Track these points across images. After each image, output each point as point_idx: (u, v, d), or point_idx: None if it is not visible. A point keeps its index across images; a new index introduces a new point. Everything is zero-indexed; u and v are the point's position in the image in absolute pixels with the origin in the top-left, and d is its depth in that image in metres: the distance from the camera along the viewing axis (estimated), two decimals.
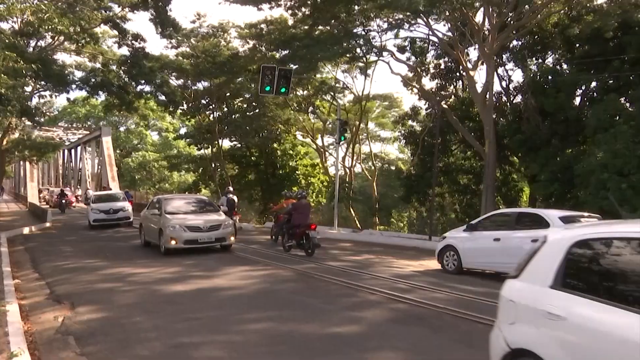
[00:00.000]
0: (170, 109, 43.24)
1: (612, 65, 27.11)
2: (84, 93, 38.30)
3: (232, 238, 19.82)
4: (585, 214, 17.14)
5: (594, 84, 29.06)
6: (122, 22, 32.70)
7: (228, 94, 43.81)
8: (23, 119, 34.25)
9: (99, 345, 7.95)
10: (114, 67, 33.72)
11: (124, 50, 34.07)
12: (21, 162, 60.63)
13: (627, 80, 26.93)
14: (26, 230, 28.00)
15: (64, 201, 48.12)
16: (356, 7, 30.08)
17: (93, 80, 33.46)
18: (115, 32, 33.54)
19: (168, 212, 19.58)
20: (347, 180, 44.52)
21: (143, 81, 34.85)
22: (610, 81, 27.83)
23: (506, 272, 14.52)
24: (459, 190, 36.34)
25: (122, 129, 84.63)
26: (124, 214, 32.42)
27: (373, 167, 50.62)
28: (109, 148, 56.32)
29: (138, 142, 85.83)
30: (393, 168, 50.51)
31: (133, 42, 33.34)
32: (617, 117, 25.26)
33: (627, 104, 26.46)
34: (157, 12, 32.19)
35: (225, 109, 46.09)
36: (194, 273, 14.80)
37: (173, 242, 18.41)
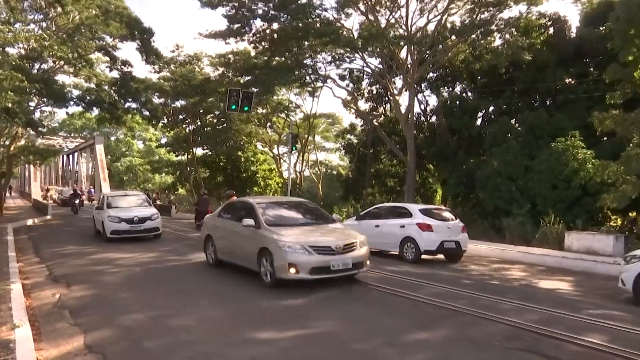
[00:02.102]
0: (153, 122, 43.05)
1: (504, 94, 28.11)
2: (80, 108, 37.65)
3: (368, 262, 10.84)
4: (443, 207, 18.17)
5: (491, 108, 29.88)
6: (113, 50, 32.35)
7: (201, 111, 43.53)
8: (28, 129, 33.43)
9: (90, 317, 7.88)
10: (106, 87, 33.07)
11: (115, 74, 33.57)
12: (26, 165, 58.73)
13: (516, 106, 27.94)
14: (30, 222, 27.21)
15: (77, 201, 36.03)
16: (306, 43, 30.28)
17: (88, 98, 32.92)
18: (107, 58, 33.14)
19: (272, 224, 10.76)
20: (298, 182, 44.65)
21: (130, 99, 34.48)
22: (504, 107, 28.78)
23: (385, 250, 15.49)
24: (387, 191, 36.85)
25: (112, 138, 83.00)
26: (152, 224, 19.38)
27: (319, 172, 50.92)
28: (101, 154, 55.13)
29: (126, 150, 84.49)
30: (335, 173, 50.77)
31: (122, 66, 32.98)
32: (509, 135, 26.03)
33: (516, 125, 27.35)
34: (142, 43, 31.89)
35: (199, 123, 45.78)
36: (170, 257, 14.67)
37: (293, 271, 9.67)
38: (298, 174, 46.18)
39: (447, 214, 16.00)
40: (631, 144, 17.90)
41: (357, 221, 16.93)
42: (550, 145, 22.65)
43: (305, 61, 32.48)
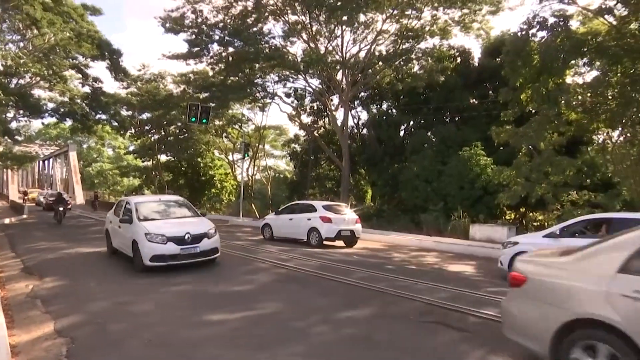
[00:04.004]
0: (121, 132, 41.56)
1: (422, 111, 28.83)
2: (54, 119, 36.14)
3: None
4: (342, 204, 18.72)
5: (411, 122, 30.48)
6: (85, 68, 31.10)
7: (165, 122, 42.39)
8: (5, 137, 31.71)
9: (60, 305, 7.59)
10: (79, 101, 31.66)
11: (87, 89, 32.23)
12: (4, 170, 55.46)
13: (431, 121, 28.67)
14: (7, 221, 25.75)
15: (61, 209, 24.35)
16: (257, 65, 30.08)
17: (62, 110, 31.57)
18: (80, 75, 31.83)
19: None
20: (250, 184, 44.22)
21: (100, 111, 33.17)
22: (421, 121, 29.50)
23: (297, 238, 16.20)
24: (326, 192, 37.00)
25: (84, 145, 79.29)
26: (210, 244, 11.03)
27: (268, 176, 50.56)
28: (74, 160, 52.81)
29: (97, 156, 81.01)
30: (282, 176, 50.52)
31: (93, 83, 31.74)
32: (425, 145, 26.69)
33: (431, 136, 28.06)
34: (112, 62, 30.79)
35: (163, 133, 44.58)
36: None
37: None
38: (250, 178, 45.69)
39: (345, 209, 17.05)
40: (520, 153, 18.82)
41: (275, 215, 17.70)
42: (458, 153, 23.32)
43: (256, 80, 32.26)
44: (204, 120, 24.62)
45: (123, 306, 7.58)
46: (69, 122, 36.82)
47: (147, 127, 44.15)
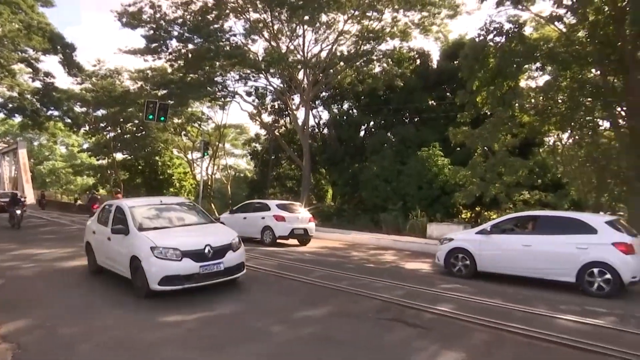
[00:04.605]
0: (75, 129, 40.23)
1: (382, 112, 29.16)
2: (2, 115, 34.43)
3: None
4: (297, 203, 18.92)
5: (371, 123, 30.80)
6: (36, 62, 29.88)
7: (121, 120, 41.18)
8: None
9: (6, 311, 7.19)
10: (29, 96, 30.45)
11: (37, 84, 31.00)
12: None
13: (391, 122, 29.04)
14: None
15: (19, 212, 20.50)
16: (217, 63, 29.68)
17: (10, 105, 30.20)
18: (30, 69, 30.51)
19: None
20: (209, 183, 43.65)
21: (52, 108, 31.99)
22: (382, 122, 29.84)
23: (251, 236, 15.90)
24: (287, 191, 36.95)
25: (35, 143, 76.01)
26: (235, 258, 8.32)
27: (228, 175, 50.06)
28: (24, 157, 50.32)
29: (49, 154, 77.78)
30: (242, 175, 50.09)
31: (44, 77, 30.57)
32: (385, 145, 27.01)
33: (391, 137, 28.44)
34: (64, 57, 29.73)
35: (119, 131, 43.28)
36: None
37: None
38: (210, 177, 45.08)
39: (298, 208, 17.22)
40: (476, 154, 19.36)
41: (230, 214, 17.59)
42: (417, 153, 23.73)
43: (216, 78, 31.78)
44: (162, 118, 24.03)
45: (74, 309, 7.34)
46: (18, 119, 35.28)
47: (102, 125, 42.75)
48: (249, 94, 34.86)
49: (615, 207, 17.52)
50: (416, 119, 28.70)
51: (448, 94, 27.55)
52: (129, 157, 45.38)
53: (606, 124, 17.32)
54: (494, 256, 10.00)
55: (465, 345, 5.76)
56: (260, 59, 29.44)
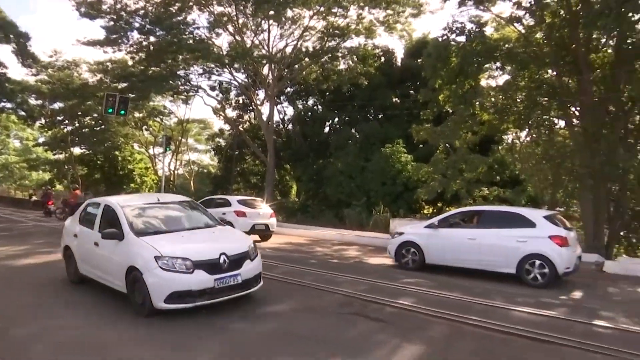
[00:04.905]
0: (29, 122, 38.56)
1: (347, 108, 29.27)
2: None
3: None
4: (258, 198, 18.80)
5: (336, 119, 30.93)
6: None
7: (79, 113, 39.79)
8: None
9: None
10: None
11: None
12: None
13: (356, 118, 29.23)
14: None
15: None
16: (180, 56, 29.11)
17: None
18: None
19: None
20: (172, 179, 42.87)
21: (5, 99, 30.51)
22: (346, 118, 30.00)
23: None
24: (251, 187, 36.70)
25: None
26: (253, 268, 7.05)
27: (191, 170, 49.30)
28: None
29: (1, 148, 74.45)
30: (206, 171, 49.37)
31: None
32: (349, 141, 27.18)
33: (355, 133, 28.63)
34: (18, 46, 28.45)
35: (77, 124, 41.82)
36: (42, 249, 13.21)
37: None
38: (172, 172, 44.25)
39: (260, 203, 17.09)
40: (438, 151, 19.70)
41: None
42: (381, 150, 23.98)
43: (178, 72, 31.08)
44: (122, 112, 23.32)
45: (28, 309, 7.03)
46: None
47: (59, 118, 41.11)
48: (212, 88, 34.38)
49: (569, 203, 18.18)
50: (380, 116, 28.99)
51: (412, 91, 27.91)
52: (88, 152, 43.88)
53: (561, 123, 17.92)
54: (440, 249, 10.35)
55: (425, 338, 5.85)
56: (225, 53, 29.01)
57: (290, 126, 34.26)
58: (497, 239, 9.56)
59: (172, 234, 7.20)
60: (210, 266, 6.50)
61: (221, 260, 6.60)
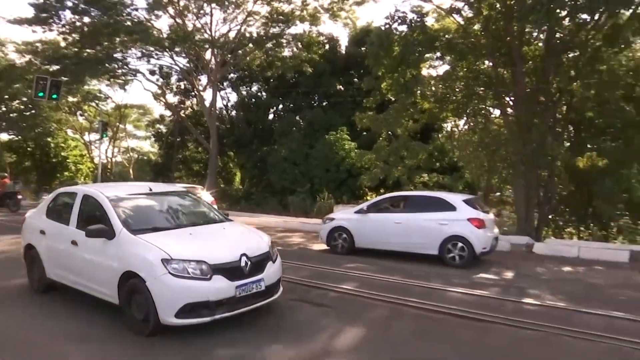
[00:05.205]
0: None
1: (291, 95, 29.20)
2: None
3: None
4: (198, 186, 18.97)
5: (280, 106, 30.78)
6: None
7: (6, 97, 37.20)
8: None
9: None
10: None
11: None
12: None
13: (300, 105, 29.20)
14: None
15: None
16: (117, 39, 27.81)
17: None
18: None
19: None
20: (109, 167, 41.28)
21: None
22: (291, 105, 29.91)
23: None
24: (193, 174, 35.95)
25: None
26: (275, 272, 5.96)
27: (130, 158, 47.58)
28: None
29: None
30: (145, 158, 47.79)
31: None
32: (293, 128, 27.15)
33: (300, 120, 28.61)
34: None
35: (4, 109, 39.10)
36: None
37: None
38: (109, 160, 42.52)
39: (200, 191, 17.10)
40: (381, 138, 20.05)
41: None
42: (325, 137, 24.12)
43: (115, 55, 29.69)
44: (54, 96, 22.09)
45: None
46: None
47: None
48: (152, 72, 33.19)
49: (503, 188, 19.09)
50: (324, 103, 29.09)
51: (356, 79, 28.13)
52: (16, 138, 41.23)
53: (497, 112, 18.69)
54: (369, 233, 10.70)
55: (366, 321, 5.97)
56: (165, 36, 28.02)
57: (233, 113, 33.74)
58: (421, 222, 10.04)
59: (176, 231, 5.95)
60: (231, 271, 5.35)
61: (242, 263, 5.47)
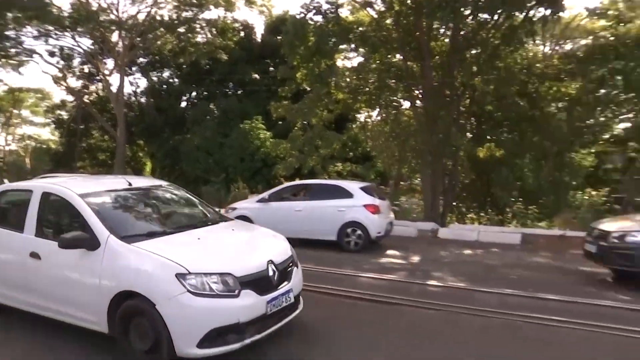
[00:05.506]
0: None
1: (205, 82, 28.44)
2: None
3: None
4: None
5: (194, 93, 29.97)
6: None
7: None
8: None
9: None
10: None
11: None
12: None
13: (214, 93, 28.56)
14: None
15: None
16: (9, 15, 25.32)
17: None
18: None
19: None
20: (2, 156, 37.82)
21: None
22: (204, 92, 29.15)
23: None
24: (99, 164, 33.91)
25: None
26: (299, 281, 5.08)
27: (27, 146, 43.85)
28: None
29: None
30: (45, 147, 44.19)
31: None
32: (207, 116, 26.52)
33: (214, 108, 27.97)
34: None
35: None
36: None
37: None
38: (1, 148, 38.94)
39: None
40: (296, 127, 20.14)
41: None
42: (239, 126, 23.81)
43: (7, 33, 27.08)
44: None
45: None
46: None
47: None
48: (51, 54, 30.60)
49: (412, 177, 20.00)
50: (239, 92, 28.67)
51: (271, 68, 27.98)
52: None
53: (407, 104, 19.47)
54: (271, 221, 10.72)
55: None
56: (66, 14, 25.98)
57: (143, 99, 32.19)
58: (321, 209, 10.41)
59: (179, 236, 4.78)
60: (260, 282, 4.34)
61: (270, 272, 4.50)
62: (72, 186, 5.06)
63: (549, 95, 17.56)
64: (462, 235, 12.34)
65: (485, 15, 14.62)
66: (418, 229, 12.98)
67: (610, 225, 7.74)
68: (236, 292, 4.10)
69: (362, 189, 10.52)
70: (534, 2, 13.30)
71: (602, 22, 17.50)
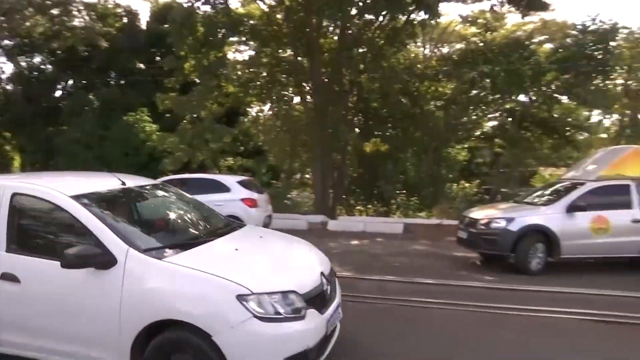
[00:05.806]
0: None
1: (83, 70, 26.36)
2: None
3: None
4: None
5: (70, 82, 27.62)
6: None
7: None
8: None
9: None
10: None
11: None
12: None
13: (94, 83, 26.59)
14: None
15: None
16: None
17: None
18: None
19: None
20: None
21: None
22: (83, 81, 27.03)
23: None
24: None
25: None
26: (339, 293, 4.24)
27: None
28: None
29: None
30: None
31: None
32: (86, 107, 24.69)
33: (94, 99, 26.06)
34: None
35: None
36: None
37: None
38: None
39: None
40: (184, 120, 19.49)
41: None
42: (123, 118, 22.48)
43: None
44: None
45: None
46: None
47: None
48: None
49: (304, 171, 20.35)
50: (122, 82, 26.96)
51: (158, 57, 26.69)
52: None
53: (297, 99, 19.75)
54: None
55: None
56: None
57: (9, 86, 28.94)
58: None
59: (212, 247, 3.92)
60: (318, 299, 3.67)
61: (325, 286, 3.84)
62: (56, 186, 3.86)
63: (428, 94, 18.88)
64: (350, 226, 12.84)
65: (371, 16, 15.29)
66: (308, 221, 13.26)
67: (478, 213, 8.55)
68: (302, 312, 3.38)
69: (240, 182, 10.60)
70: (413, 7, 14.17)
71: (473, 29, 19.17)
